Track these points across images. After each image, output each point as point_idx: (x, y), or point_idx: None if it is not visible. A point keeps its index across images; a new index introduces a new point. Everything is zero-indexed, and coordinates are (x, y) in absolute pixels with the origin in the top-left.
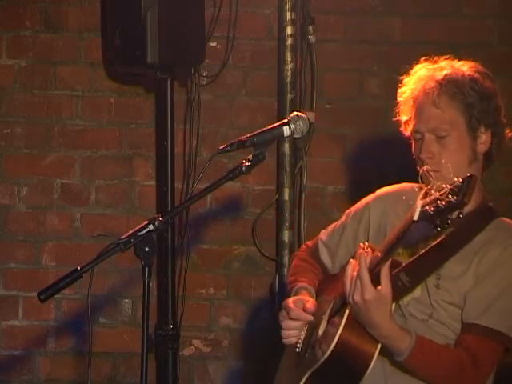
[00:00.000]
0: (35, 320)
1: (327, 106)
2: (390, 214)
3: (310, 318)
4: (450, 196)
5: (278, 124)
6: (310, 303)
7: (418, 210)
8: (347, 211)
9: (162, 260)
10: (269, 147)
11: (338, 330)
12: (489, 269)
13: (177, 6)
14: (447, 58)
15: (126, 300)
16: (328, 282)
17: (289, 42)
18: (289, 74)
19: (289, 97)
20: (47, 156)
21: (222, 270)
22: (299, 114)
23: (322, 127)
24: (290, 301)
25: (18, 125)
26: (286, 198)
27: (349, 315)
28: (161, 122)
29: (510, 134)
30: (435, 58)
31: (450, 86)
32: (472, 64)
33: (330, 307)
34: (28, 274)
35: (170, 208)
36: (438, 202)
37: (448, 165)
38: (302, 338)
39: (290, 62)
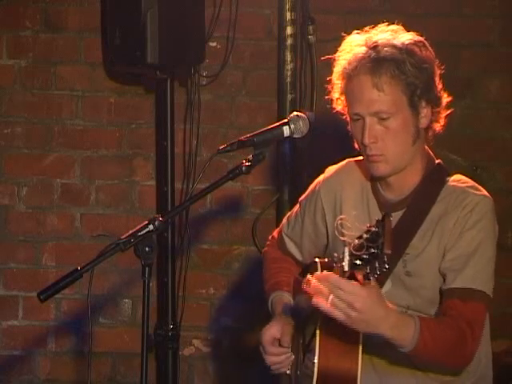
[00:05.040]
0: (35, 320)
1: (327, 106)
2: (341, 195)
3: (286, 351)
4: (369, 247)
5: (277, 124)
6: (285, 335)
7: (347, 259)
8: (300, 199)
9: (162, 260)
10: (269, 147)
11: (314, 366)
12: (454, 235)
13: (177, 6)
14: (377, 27)
15: (126, 300)
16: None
17: (289, 42)
18: (289, 73)
19: (289, 97)
20: (47, 156)
21: (222, 269)
22: (299, 113)
23: (322, 127)
24: (266, 339)
25: (18, 125)
26: (286, 197)
27: (320, 342)
28: (161, 122)
29: (446, 100)
30: (366, 29)
31: (390, 66)
32: (406, 34)
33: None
34: (28, 273)
35: (170, 208)
36: (362, 252)
37: (393, 148)
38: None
39: (290, 61)
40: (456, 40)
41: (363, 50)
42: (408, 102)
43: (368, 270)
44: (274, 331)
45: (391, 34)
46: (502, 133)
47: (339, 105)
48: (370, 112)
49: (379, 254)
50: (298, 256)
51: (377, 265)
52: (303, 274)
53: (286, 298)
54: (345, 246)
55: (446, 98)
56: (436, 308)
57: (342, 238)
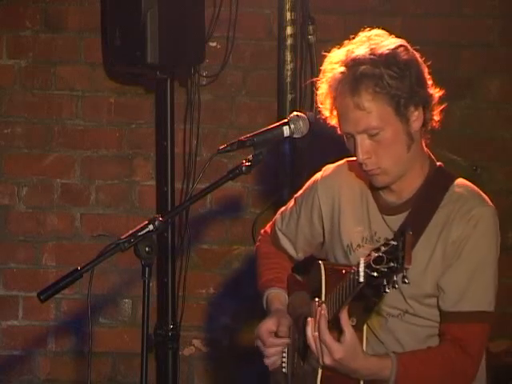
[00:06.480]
0: (35, 320)
1: None
2: (340, 196)
3: (286, 341)
4: (389, 260)
5: (277, 124)
6: (282, 326)
7: (362, 270)
8: (296, 196)
9: (162, 260)
10: (269, 147)
11: (318, 369)
12: (456, 250)
13: (177, 5)
14: (359, 35)
15: (126, 300)
16: (295, 278)
17: (289, 42)
18: (289, 73)
19: (289, 97)
20: (47, 156)
21: (222, 270)
22: (299, 114)
23: (322, 127)
24: (263, 331)
25: (18, 125)
26: (286, 198)
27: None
28: (161, 122)
29: (438, 94)
30: (347, 42)
31: (368, 83)
32: (386, 41)
33: (299, 344)
34: (28, 273)
35: (170, 208)
36: (381, 265)
37: (388, 160)
38: (285, 356)
39: (290, 61)
40: (456, 40)
41: (342, 69)
42: (395, 113)
43: (385, 283)
44: (270, 325)
45: (370, 46)
46: (502, 133)
47: (333, 119)
48: (357, 131)
49: (399, 268)
50: (292, 252)
51: (395, 278)
52: (301, 272)
53: (281, 295)
54: (353, 254)
55: (437, 93)
56: (434, 311)
57: (359, 250)
